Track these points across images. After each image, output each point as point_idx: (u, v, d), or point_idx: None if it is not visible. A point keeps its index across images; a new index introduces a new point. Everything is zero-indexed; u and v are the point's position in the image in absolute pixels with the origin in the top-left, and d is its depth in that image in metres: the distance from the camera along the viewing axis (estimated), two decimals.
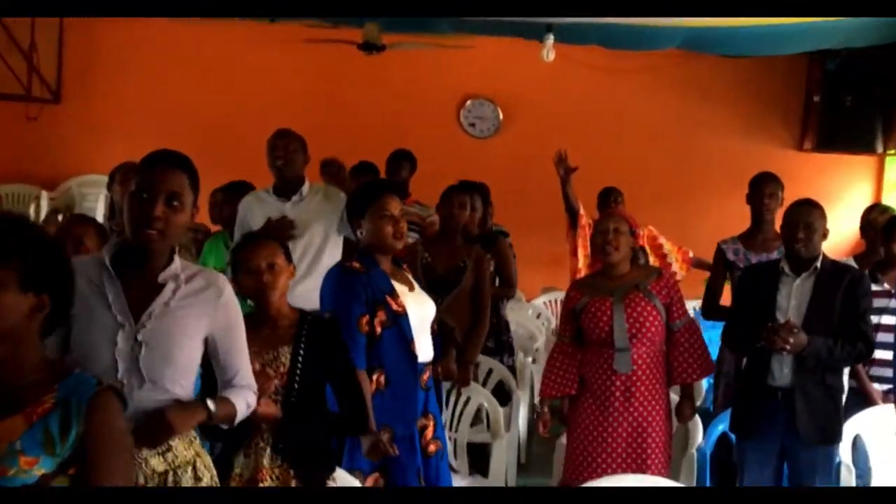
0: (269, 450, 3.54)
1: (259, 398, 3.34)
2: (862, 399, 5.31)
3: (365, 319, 4.05)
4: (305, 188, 5.55)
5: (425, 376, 4.22)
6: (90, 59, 10.83)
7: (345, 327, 3.91)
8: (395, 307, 4.09)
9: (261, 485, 3.52)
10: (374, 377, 4.06)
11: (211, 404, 2.94)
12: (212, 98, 10.70)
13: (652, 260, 7.16)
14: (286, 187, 5.54)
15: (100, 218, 9.39)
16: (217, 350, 3.04)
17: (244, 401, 3.09)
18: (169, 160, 2.94)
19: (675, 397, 5.02)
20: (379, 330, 4.06)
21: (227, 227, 6.31)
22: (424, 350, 4.21)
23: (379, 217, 4.16)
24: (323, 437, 3.68)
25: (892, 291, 5.39)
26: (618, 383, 4.75)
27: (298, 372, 3.57)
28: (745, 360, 5.00)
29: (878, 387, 5.41)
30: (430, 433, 4.21)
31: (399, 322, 4.09)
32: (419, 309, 4.21)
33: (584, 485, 3.94)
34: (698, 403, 6.09)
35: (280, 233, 5.15)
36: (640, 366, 4.77)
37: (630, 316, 4.76)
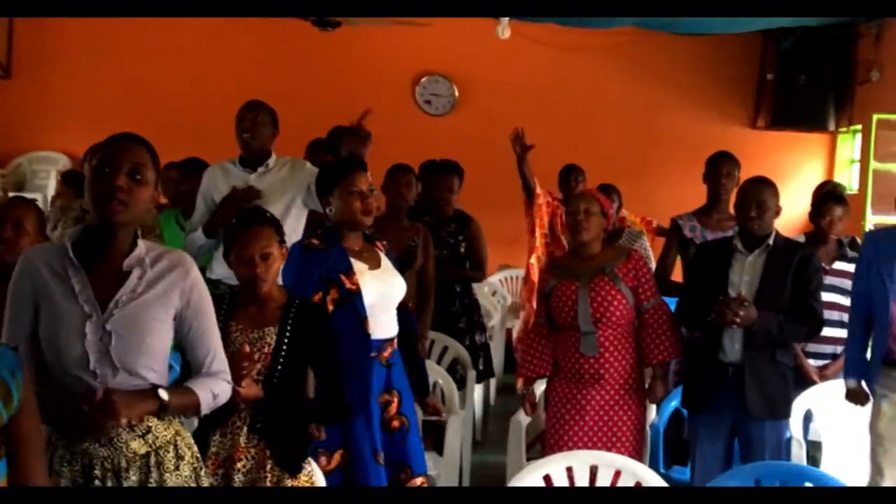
0: (245, 429, 3.54)
1: (242, 379, 3.35)
2: (799, 375, 5.33)
3: (317, 297, 4.06)
4: (272, 160, 5.49)
5: (386, 353, 4.22)
6: (42, 34, 10.66)
7: None
8: (348, 285, 4.10)
9: (237, 465, 3.53)
10: None
11: (164, 394, 2.88)
12: (166, 74, 10.59)
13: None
14: (252, 159, 5.48)
15: (50, 195, 9.32)
16: (186, 332, 3.01)
17: (210, 391, 3.01)
18: (130, 136, 2.94)
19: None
20: (331, 307, 4.07)
21: (180, 204, 6.27)
22: (384, 327, 4.21)
23: (348, 193, 4.18)
24: (301, 420, 3.67)
25: (826, 267, 5.41)
26: (586, 366, 4.81)
27: (283, 354, 3.58)
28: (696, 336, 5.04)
29: (813, 363, 5.46)
30: (393, 409, 4.22)
31: (352, 300, 4.09)
32: (380, 286, 4.20)
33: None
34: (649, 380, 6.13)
35: (244, 200, 5.16)
36: (608, 348, 4.81)
37: (594, 300, 4.79)
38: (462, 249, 6.42)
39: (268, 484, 3.54)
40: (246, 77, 10.45)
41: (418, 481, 4.24)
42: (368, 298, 4.13)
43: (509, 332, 9.34)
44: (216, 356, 3.07)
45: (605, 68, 10.57)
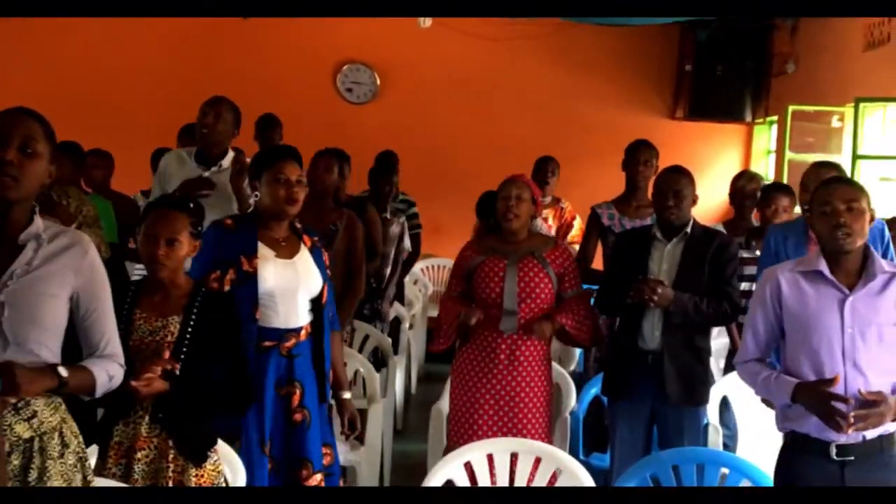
0: (147, 419, 3.51)
1: (146, 370, 3.33)
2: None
3: (214, 275, 4.06)
4: (227, 160, 5.38)
5: (288, 343, 4.17)
6: None
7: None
8: (246, 267, 4.08)
9: (138, 454, 3.49)
10: None
11: (63, 371, 2.83)
12: (84, 61, 10.40)
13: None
14: (208, 155, 5.40)
15: None
16: (81, 312, 2.95)
17: (105, 372, 2.96)
18: (20, 109, 2.88)
19: None
20: (227, 288, 4.04)
21: (97, 192, 6.22)
22: (285, 317, 4.16)
23: (274, 181, 4.15)
24: (205, 410, 3.62)
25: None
26: (503, 345, 4.83)
27: (186, 343, 3.54)
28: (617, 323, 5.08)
29: None
30: (296, 401, 4.17)
31: (247, 282, 4.06)
32: (284, 276, 4.16)
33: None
34: (571, 368, 6.20)
35: (194, 191, 5.10)
36: (527, 329, 4.83)
37: (522, 280, 4.82)
38: None
39: (170, 475, 3.51)
40: (165, 65, 10.34)
41: (318, 477, 4.19)
42: (265, 285, 4.10)
43: (431, 320, 9.33)
44: (110, 341, 3.01)
45: (526, 57, 10.61)
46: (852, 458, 3.47)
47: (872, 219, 3.59)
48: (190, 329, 3.56)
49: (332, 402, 4.43)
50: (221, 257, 4.09)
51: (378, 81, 10.88)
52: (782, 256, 4.73)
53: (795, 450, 3.58)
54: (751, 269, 5.45)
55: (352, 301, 5.74)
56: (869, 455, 3.48)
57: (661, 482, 4.02)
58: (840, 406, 3.37)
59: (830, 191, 3.56)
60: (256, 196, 4.23)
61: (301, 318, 4.23)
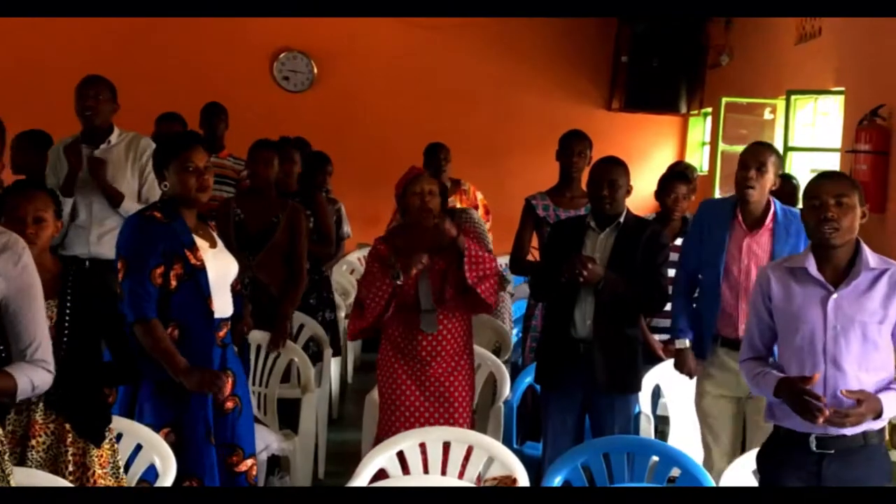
0: (41, 404, 3.49)
1: None
2: (647, 351, 5.43)
3: (159, 271, 4.00)
4: (114, 136, 5.53)
5: (221, 332, 4.16)
6: None
7: (136, 276, 3.94)
8: (193, 261, 4.03)
9: (32, 441, 3.48)
10: (168, 331, 4.02)
11: None
12: (13, 44, 10.22)
13: None
14: (94, 135, 5.51)
15: None
16: (10, 315, 2.90)
17: (29, 379, 2.90)
18: None
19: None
20: (174, 283, 4.01)
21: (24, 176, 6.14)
22: (222, 306, 4.14)
23: (183, 169, 4.08)
24: (97, 388, 3.61)
25: (671, 244, 5.52)
26: (424, 343, 4.82)
27: (66, 325, 3.52)
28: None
29: (658, 338, 5.58)
30: (227, 390, 4.15)
31: (196, 276, 4.02)
32: (219, 266, 4.14)
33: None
34: (506, 357, 6.21)
35: (94, 172, 5.31)
36: (446, 325, 4.84)
37: (433, 276, 4.80)
38: (311, 224, 6.31)
39: (70, 458, 3.50)
40: (99, 53, 10.18)
41: (249, 462, 4.18)
42: (211, 276, 4.07)
43: None
44: (40, 346, 2.95)
45: (464, 46, 10.61)
46: (832, 451, 3.46)
47: (865, 215, 3.55)
48: (68, 311, 3.54)
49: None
50: (162, 251, 4.02)
51: (315, 70, 10.83)
52: (705, 234, 4.75)
53: (778, 443, 3.59)
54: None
55: (295, 293, 5.71)
56: (849, 450, 3.47)
57: (593, 470, 4.05)
58: (815, 402, 3.35)
59: (820, 184, 3.55)
60: (165, 186, 4.16)
61: (230, 307, 4.22)
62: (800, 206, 5.20)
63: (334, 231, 6.76)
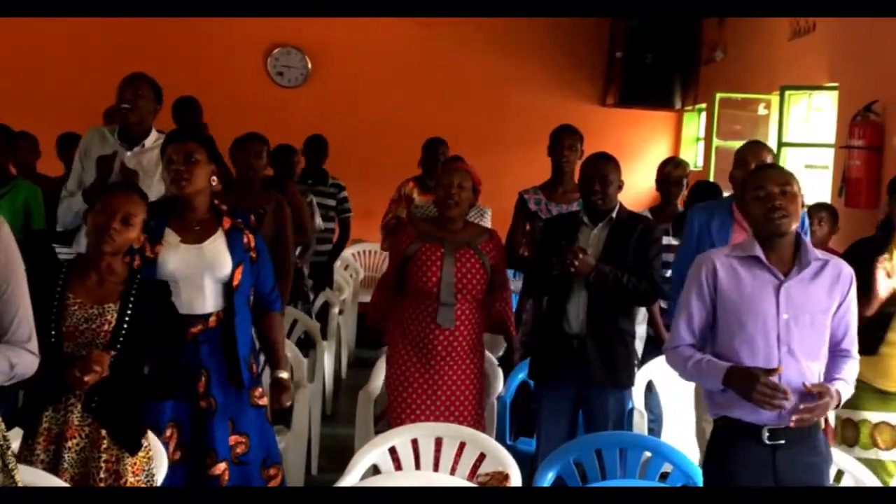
0: (80, 407, 3.47)
1: (93, 363, 3.30)
2: (657, 346, 5.43)
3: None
4: (150, 140, 5.28)
5: (194, 329, 4.07)
6: None
7: None
8: (147, 253, 4.01)
9: (68, 442, 3.45)
10: None
11: None
12: (8, 43, 10.17)
13: None
14: (130, 134, 5.29)
15: None
16: None
17: (7, 360, 2.80)
18: None
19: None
20: None
21: (25, 176, 6.17)
22: (190, 303, 4.06)
23: (167, 164, 4.12)
24: (137, 398, 3.59)
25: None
26: (440, 338, 4.79)
27: (124, 332, 3.50)
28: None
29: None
30: (200, 388, 4.09)
31: (148, 268, 3.98)
32: (187, 260, 4.07)
33: None
34: (500, 353, 6.19)
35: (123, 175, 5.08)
36: (463, 321, 4.81)
37: (459, 270, 4.78)
38: None
39: (102, 464, 3.48)
40: (91, 50, 10.15)
41: (222, 465, 4.12)
42: (163, 270, 4.02)
43: (362, 305, 9.30)
44: (21, 324, 2.85)
45: (459, 41, 10.57)
46: (783, 441, 3.48)
47: (803, 205, 3.63)
48: (127, 319, 3.52)
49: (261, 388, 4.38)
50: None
51: (309, 65, 10.80)
52: (705, 239, 4.73)
53: (727, 435, 3.58)
54: (673, 257, 5.46)
55: (283, 285, 5.67)
56: (798, 439, 3.50)
57: (585, 466, 4.03)
58: (780, 394, 3.37)
59: (764, 175, 3.61)
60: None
61: (209, 303, 4.14)
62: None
63: (311, 221, 6.73)
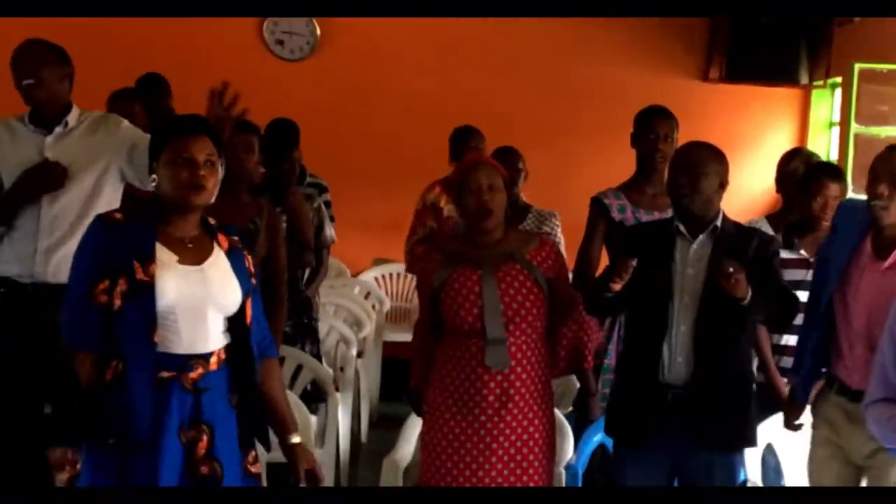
0: None
1: None
2: (770, 396, 5.40)
3: (103, 286, 3.97)
4: (73, 116, 5.40)
5: (194, 374, 4.10)
6: None
7: (75, 296, 3.99)
8: (139, 275, 3.98)
9: None
10: (112, 364, 3.97)
11: None
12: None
13: None
14: (44, 115, 5.38)
15: None
16: None
17: None
18: None
19: None
20: (119, 302, 3.97)
21: None
22: (192, 341, 4.08)
23: (173, 162, 4.04)
24: (36, 447, 3.72)
25: (811, 260, 5.49)
26: (492, 385, 4.76)
27: None
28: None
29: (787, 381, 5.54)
30: (202, 450, 4.10)
31: (142, 295, 3.99)
32: (190, 287, 4.06)
33: None
34: (568, 409, 6.19)
35: (46, 184, 5.23)
36: (520, 360, 4.78)
37: (505, 294, 4.75)
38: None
39: None
40: (66, 20, 10.26)
41: None
42: (164, 299, 4.03)
43: (387, 346, 9.30)
44: None
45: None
46: None
47: None
48: None
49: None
50: (110, 262, 4.00)
51: (318, 32, 10.82)
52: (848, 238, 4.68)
53: None
54: (794, 274, 5.43)
55: (279, 318, 5.69)
56: None
57: None
58: None
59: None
60: (153, 182, 4.16)
61: (211, 341, 4.15)
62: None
63: (312, 235, 6.77)
